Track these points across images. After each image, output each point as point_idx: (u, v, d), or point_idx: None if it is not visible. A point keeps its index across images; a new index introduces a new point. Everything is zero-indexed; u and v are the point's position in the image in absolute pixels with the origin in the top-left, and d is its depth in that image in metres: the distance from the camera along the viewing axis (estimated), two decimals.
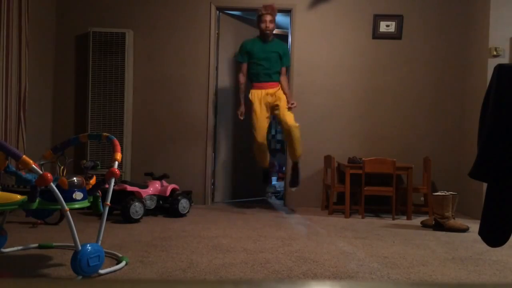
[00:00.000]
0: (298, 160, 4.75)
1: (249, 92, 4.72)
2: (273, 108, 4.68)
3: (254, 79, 4.71)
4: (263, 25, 4.65)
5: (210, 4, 5.16)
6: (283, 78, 4.76)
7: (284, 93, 4.73)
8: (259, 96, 4.65)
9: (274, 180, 7.12)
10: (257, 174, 5.62)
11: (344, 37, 5.20)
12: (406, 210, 4.59)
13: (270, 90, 4.65)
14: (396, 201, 4.64)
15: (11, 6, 4.16)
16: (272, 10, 4.67)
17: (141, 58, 5.16)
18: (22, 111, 4.36)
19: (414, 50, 5.20)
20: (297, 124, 4.59)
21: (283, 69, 4.78)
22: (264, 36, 4.70)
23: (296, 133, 4.60)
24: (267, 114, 4.68)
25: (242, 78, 4.79)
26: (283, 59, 4.74)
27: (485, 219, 1.82)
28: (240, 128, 5.43)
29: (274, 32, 4.84)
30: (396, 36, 5.17)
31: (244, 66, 4.77)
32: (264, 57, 4.65)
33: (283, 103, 4.62)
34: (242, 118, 4.76)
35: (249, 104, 4.71)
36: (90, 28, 4.98)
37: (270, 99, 4.65)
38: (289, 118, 4.59)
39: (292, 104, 4.61)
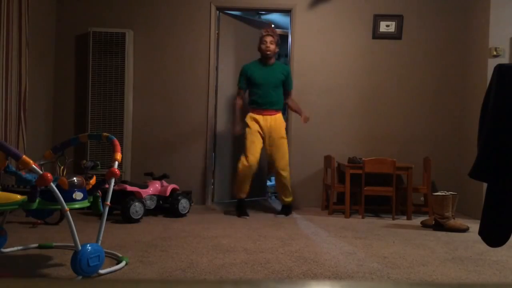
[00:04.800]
0: (290, 204, 4.70)
1: (245, 117, 4.61)
2: (264, 139, 4.56)
3: (253, 105, 4.57)
4: (263, 46, 4.51)
5: (210, 4, 5.16)
6: (290, 100, 4.71)
7: (295, 110, 4.72)
8: (256, 118, 4.54)
9: (273, 180, 7.10)
10: (257, 173, 5.61)
11: (344, 37, 5.20)
12: (406, 210, 4.59)
13: (268, 117, 4.53)
14: (396, 201, 4.64)
15: (11, 6, 4.16)
16: (273, 32, 4.55)
17: (141, 58, 5.16)
18: (22, 111, 4.36)
19: (414, 50, 5.20)
20: (287, 168, 4.55)
21: (288, 93, 4.70)
22: (264, 59, 4.55)
23: (286, 179, 4.56)
24: (261, 139, 4.55)
25: (240, 103, 4.64)
26: (286, 83, 4.63)
27: (485, 219, 1.82)
28: None
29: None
30: (396, 36, 5.17)
31: (243, 92, 4.66)
32: (264, 83, 4.49)
33: (275, 136, 4.50)
34: (240, 131, 4.59)
35: (244, 127, 4.58)
36: (90, 28, 4.98)
37: (264, 124, 4.51)
38: (282, 161, 4.50)
39: (306, 117, 4.54)
